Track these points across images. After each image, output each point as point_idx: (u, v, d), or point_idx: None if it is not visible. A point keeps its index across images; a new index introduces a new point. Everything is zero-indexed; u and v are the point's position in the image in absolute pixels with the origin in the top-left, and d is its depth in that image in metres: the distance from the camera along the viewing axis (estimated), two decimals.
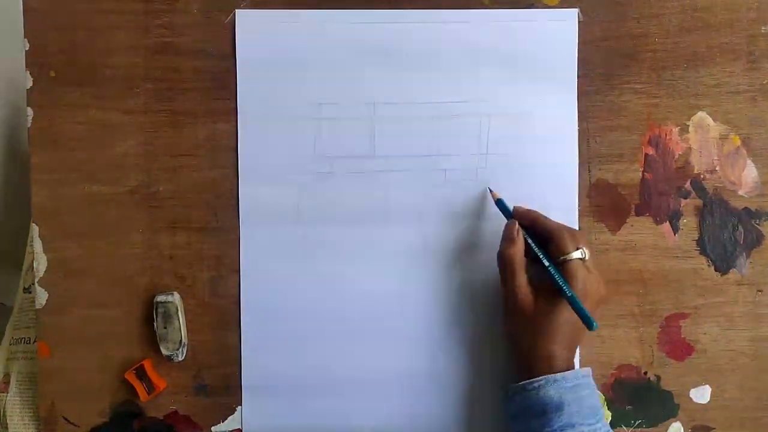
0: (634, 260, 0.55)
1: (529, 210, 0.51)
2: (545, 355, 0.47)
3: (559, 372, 0.47)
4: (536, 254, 0.49)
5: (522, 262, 0.49)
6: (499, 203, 0.53)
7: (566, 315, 0.47)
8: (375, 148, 0.54)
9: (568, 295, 0.47)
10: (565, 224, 0.51)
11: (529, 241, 0.50)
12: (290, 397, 0.54)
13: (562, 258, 0.48)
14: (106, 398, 0.54)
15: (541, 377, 0.47)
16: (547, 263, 0.49)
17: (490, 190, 0.53)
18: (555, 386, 0.46)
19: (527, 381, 0.47)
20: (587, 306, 0.47)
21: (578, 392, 0.46)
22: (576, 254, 0.48)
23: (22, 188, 0.58)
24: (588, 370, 0.49)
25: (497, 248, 0.51)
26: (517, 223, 0.50)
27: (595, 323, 0.46)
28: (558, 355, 0.47)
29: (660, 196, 0.55)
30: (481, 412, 0.54)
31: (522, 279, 0.49)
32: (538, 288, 0.49)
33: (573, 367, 0.48)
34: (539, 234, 0.50)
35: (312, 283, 0.54)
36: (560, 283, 0.47)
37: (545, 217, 0.51)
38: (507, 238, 0.50)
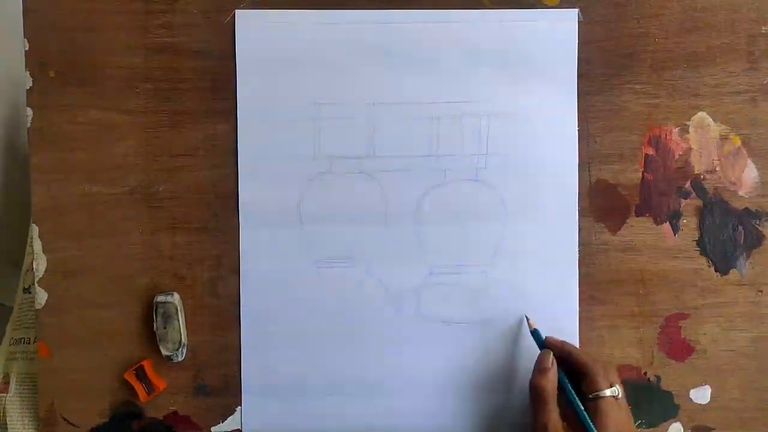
0: (634, 260, 0.55)
1: (563, 342, 0.51)
2: None
3: None
4: (565, 387, 0.48)
5: (554, 394, 0.48)
6: (535, 333, 0.52)
7: None
8: (375, 148, 0.54)
9: None
10: (598, 358, 0.49)
11: (561, 375, 0.49)
12: (290, 397, 0.54)
13: (593, 395, 0.47)
14: (105, 398, 0.54)
15: None
16: (576, 401, 0.47)
17: (527, 318, 0.53)
18: None
19: None
20: None
21: None
22: (608, 392, 0.47)
23: (22, 188, 0.58)
24: None
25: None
26: (551, 353, 0.50)
27: None
28: None
29: (660, 197, 0.55)
30: (480, 411, 0.54)
31: (554, 413, 0.47)
32: (567, 423, 0.48)
33: None
34: (571, 367, 0.49)
35: (312, 283, 0.54)
36: (589, 426, 0.46)
37: (579, 350, 0.50)
38: (540, 368, 0.49)
